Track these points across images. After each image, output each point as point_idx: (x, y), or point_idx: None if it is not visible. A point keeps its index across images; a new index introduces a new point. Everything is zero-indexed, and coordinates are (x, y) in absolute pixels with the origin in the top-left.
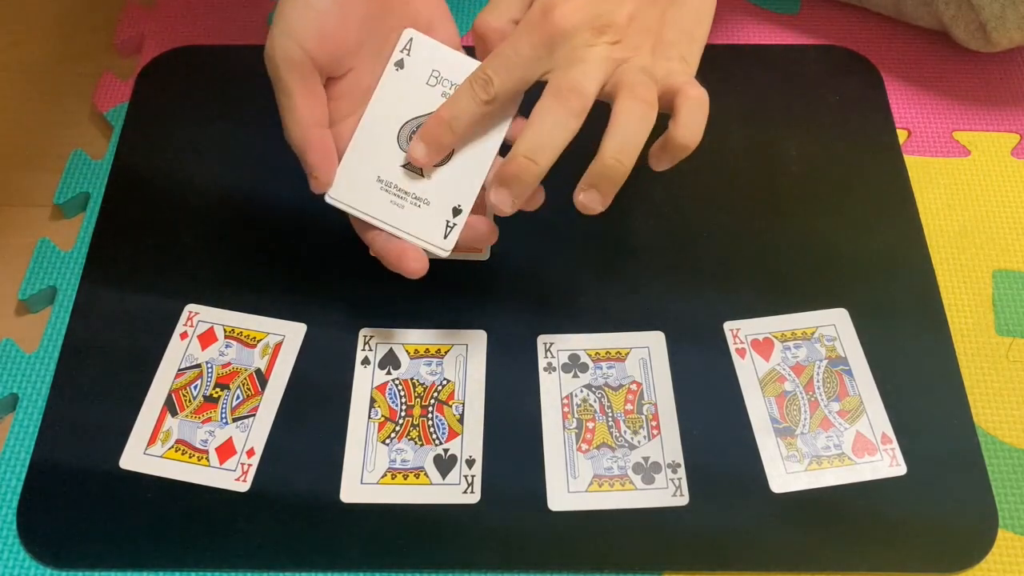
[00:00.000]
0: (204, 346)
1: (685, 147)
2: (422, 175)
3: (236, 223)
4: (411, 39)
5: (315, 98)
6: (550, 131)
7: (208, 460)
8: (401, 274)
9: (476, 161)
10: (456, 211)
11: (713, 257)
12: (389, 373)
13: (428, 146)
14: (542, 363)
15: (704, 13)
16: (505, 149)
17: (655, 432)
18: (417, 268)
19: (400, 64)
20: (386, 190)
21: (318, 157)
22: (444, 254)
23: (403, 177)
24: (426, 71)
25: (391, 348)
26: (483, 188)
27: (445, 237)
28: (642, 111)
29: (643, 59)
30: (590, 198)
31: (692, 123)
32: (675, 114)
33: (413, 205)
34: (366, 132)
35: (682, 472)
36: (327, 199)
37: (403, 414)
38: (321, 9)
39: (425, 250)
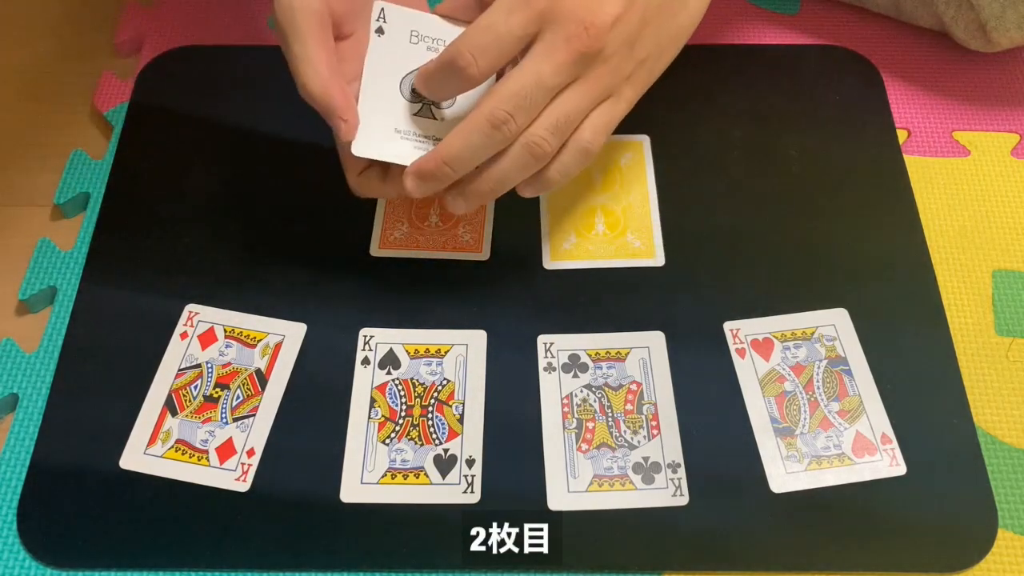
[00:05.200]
0: (204, 346)
1: (550, 185)
2: (433, 117)
3: (236, 223)
4: (383, 8)
5: (330, 49)
6: (478, 150)
7: (208, 460)
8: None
9: (479, 93)
10: None
11: (713, 257)
12: (389, 373)
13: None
14: (542, 363)
15: (684, 31)
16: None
17: (655, 432)
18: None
19: (380, 31)
20: (407, 138)
21: (344, 101)
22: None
23: (418, 123)
24: (405, 33)
25: (391, 348)
26: None
27: None
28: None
29: (602, 75)
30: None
31: (567, 167)
32: (560, 150)
33: (435, 142)
34: (370, 91)
35: (682, 472)
36: (354, 151)
37: (403, 414)
38: None
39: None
